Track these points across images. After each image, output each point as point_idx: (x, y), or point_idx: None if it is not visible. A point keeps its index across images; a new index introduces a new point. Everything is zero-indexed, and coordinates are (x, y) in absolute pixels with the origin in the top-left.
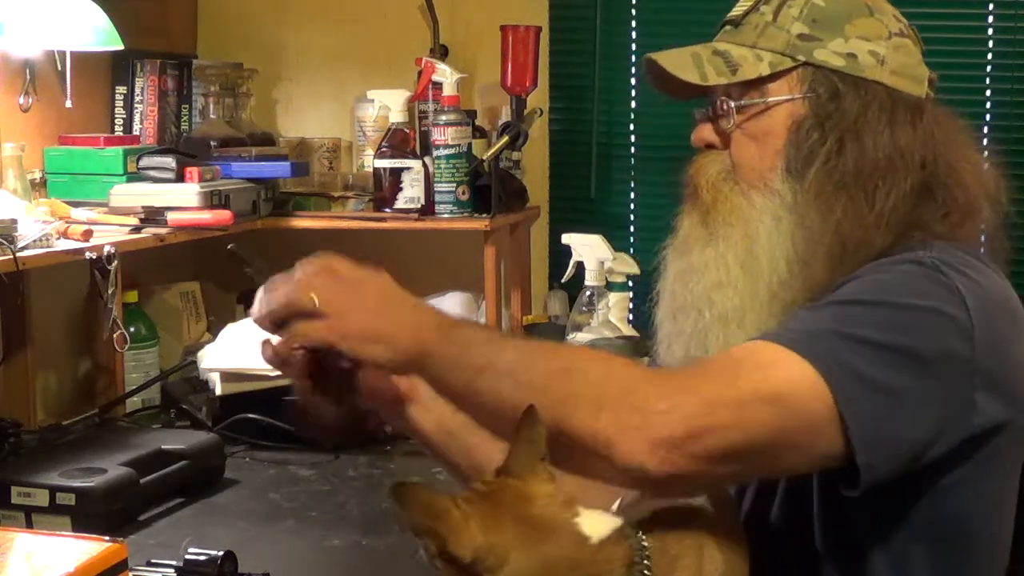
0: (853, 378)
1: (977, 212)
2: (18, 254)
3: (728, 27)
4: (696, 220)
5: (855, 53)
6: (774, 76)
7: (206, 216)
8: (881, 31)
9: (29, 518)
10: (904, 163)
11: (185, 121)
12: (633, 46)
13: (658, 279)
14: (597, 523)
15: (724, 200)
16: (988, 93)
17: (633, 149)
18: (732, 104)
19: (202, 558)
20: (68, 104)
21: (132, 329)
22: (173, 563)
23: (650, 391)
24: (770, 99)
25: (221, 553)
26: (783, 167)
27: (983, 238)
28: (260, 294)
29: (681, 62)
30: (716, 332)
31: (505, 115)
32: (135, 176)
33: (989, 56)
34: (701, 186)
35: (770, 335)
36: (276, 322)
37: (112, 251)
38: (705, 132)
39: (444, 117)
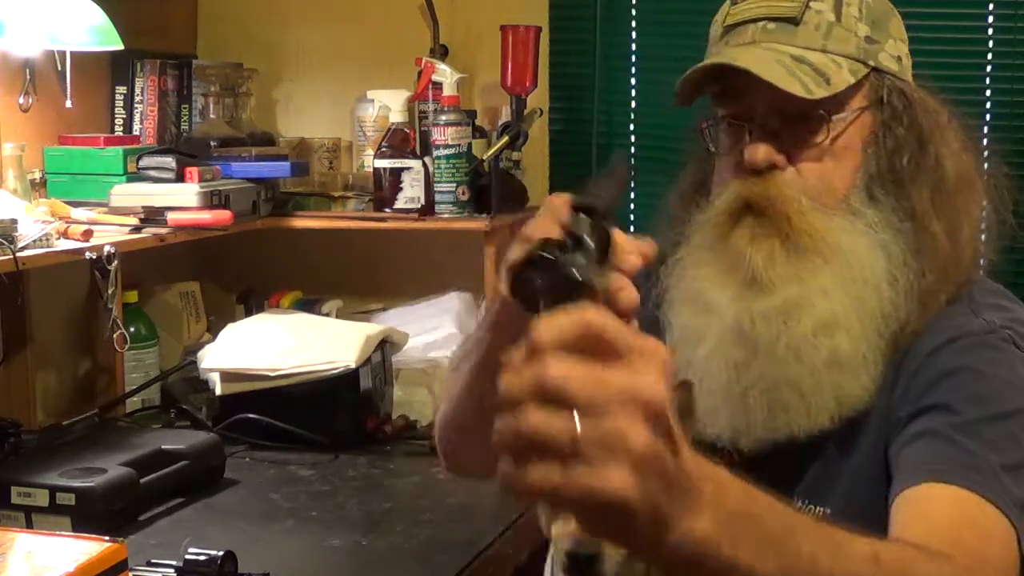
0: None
1: (971, 214)
2: (18, 254)
3: (780, 24)
4: (775, 249)
5: (901, 56)
6: (853, 86)
7: (206, 216)
8: (903, 33)
9: (29, 518)
10: (975, 171)
11: (185, 121)
12: (633, 46)
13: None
14: None
15: (810, 226)
16: (988, 93)
17: (633, 149)
18: (831, 118)
19: (202, 558)
20: (68, 104)
21: (132, 329)
22: (173, 563)
23: None
24: (849, 110)
25: (221, 553)
26: (863, 185)
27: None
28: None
29: (775, 72)
30: (823, 377)
31: (505, 115)
32: (135, 176)
33: (989, 56)
34: (779, 208)
35: (956, 478)
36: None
37: (112, 251)
38: (764, 151)
39: (444, 117)
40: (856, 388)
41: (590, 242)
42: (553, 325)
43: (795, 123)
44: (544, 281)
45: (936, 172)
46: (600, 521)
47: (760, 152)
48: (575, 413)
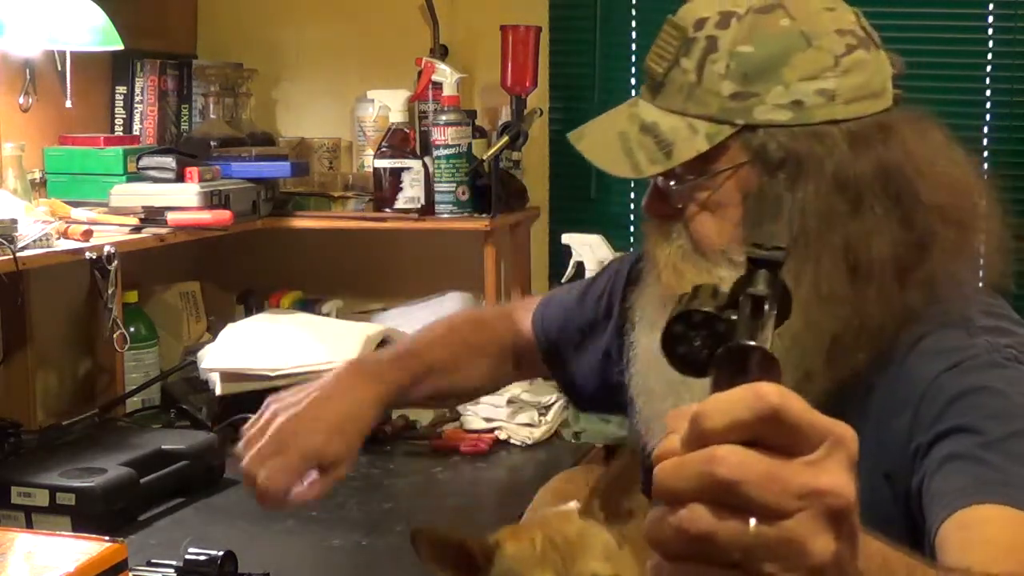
0: None
1: (968, 227)
2: (18, 254)
3: (650, 85)
4: (662, 306)
5: (801, 100)
6: (714, 149)
7: (206, 216)
8: (825, 61)
9: (29, 518)
10: (880, 212)
11: (185, 121)
12: (633, 46)
13: (631, 343)
14: None
15: (677, 277)
16: (988, 93)
17: None
18: (673, 186)
19: (202, 558)
20: (68, 104)
21: (132, 329)
22: (173, 563)
23: None
24: (715, 173)
25: (221, 553)
26: (747, 236)
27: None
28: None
29: (609, 152)
30: None
31: (505, 115)
32: (135, 176)
33: (989, 56)
34: (660, 268)
35: (998, 497)
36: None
37: (112, 251)
38: (657, 202)
39: (444, 117)
40: None
41: (771, 307)
42: (726, 406)
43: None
44: (708, 345)
45: (809, 224)
46: None
47: (648, 202)
48: (752, 519)
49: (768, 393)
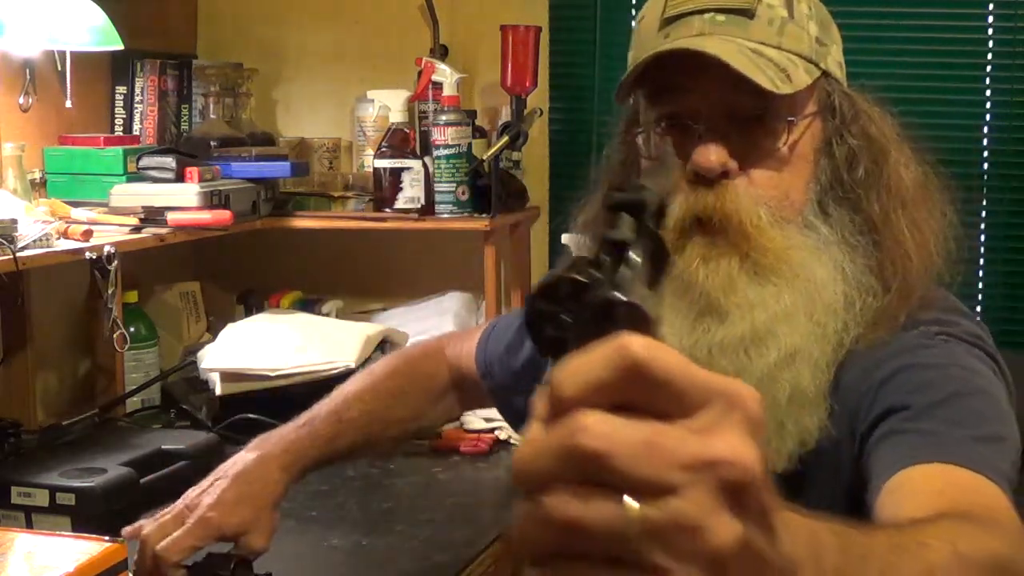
0: (1004, 477)
1: (922, 225)
2: (18, 254)
3: (732, 16)
4: (733, 271)
5: (842, 63)
6: (805, 91)
7: (206, 216)
8: (839, 39)
9: (29, 518)
10: (930, 182)
11: (185, 121)
12: None
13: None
14: None
15: (772, 243)
16: (988, 93)
17: None
18: (791, 120)
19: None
20: (68, 104)
21: (132, 329)
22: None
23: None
24: (801, 115)
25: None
26: (816, 197)
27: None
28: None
29: (740, 61)
30: (784, 414)
31: (505, 115)
32: (135, 176)
33: (989, 56)
34: (736, 223)
35: (934, 458)
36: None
37: (112, 251)
38: (716, 154)
39: (444, 117)
40: (815, 423)
41: (637, 254)
42: (583, 365)
43: (747, 126)
44: (572, 314)
45: (896, 183)
46: None
47: (712, 155)
48: (625, 497)
49: (630, 344)
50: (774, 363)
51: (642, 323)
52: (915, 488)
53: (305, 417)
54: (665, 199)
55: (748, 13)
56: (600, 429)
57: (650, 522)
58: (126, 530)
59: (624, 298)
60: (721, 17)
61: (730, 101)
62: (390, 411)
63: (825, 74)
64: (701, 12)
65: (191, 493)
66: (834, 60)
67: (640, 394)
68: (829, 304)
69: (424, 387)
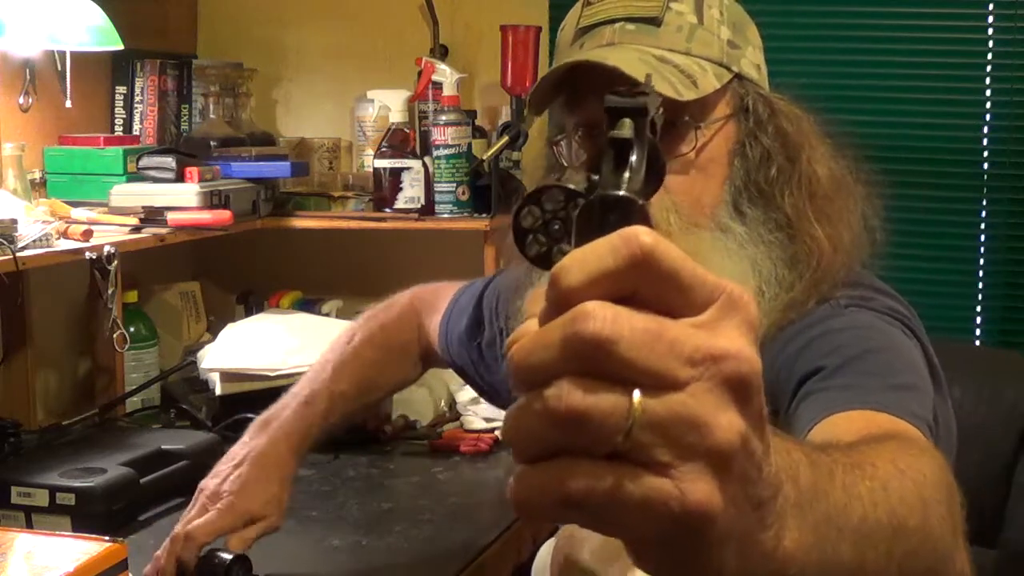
0: (922, 421)
1: (841, 212)
2: (18, 254)
3: (640, 25)
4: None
5: (759, 64)
6: (714, 95)
7: (206, 216)
8: (760, 41)
9: (29, 518)
10: (847, 175)
11: (185, 121)
12: None
13: None
14: None
15: (678, 246)
16: (988, 93)
17: None
18: (698, 126)
19: (214, 561)
20: (68, 104)
21: (132, 329)
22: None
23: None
24: (712, 119)
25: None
26: (731, 198)
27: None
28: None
29: (640, 70)
30: None
31: (505, 115)
32: (135, 176)
33: (989, 56)
34: None
35: (850, 407)
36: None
37: (112, 251)
38: None
39: (444, 117)
40: None
41: (637, 156)
42: (589, 255)
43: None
44: (567, 220)
45: (808, 179)
46: (661, 545)
47: None
48: (634, 391)
49: (639, 234)
50: None
51: (645, 222)
52: (836, 431)
53: (302, 394)
54: (656, 110)
55: (656, 21)
56: (606, 315)
57: (655, 415)
58: (147, 571)
59: (629, 195)
60: (631, 26)
61: None
62: (374, 381)
63: (739, 76)
64: (612, 22)
65: (209, 484)
66: (750, 62)
67: (646, 286)
68: None
69: (402, 354)
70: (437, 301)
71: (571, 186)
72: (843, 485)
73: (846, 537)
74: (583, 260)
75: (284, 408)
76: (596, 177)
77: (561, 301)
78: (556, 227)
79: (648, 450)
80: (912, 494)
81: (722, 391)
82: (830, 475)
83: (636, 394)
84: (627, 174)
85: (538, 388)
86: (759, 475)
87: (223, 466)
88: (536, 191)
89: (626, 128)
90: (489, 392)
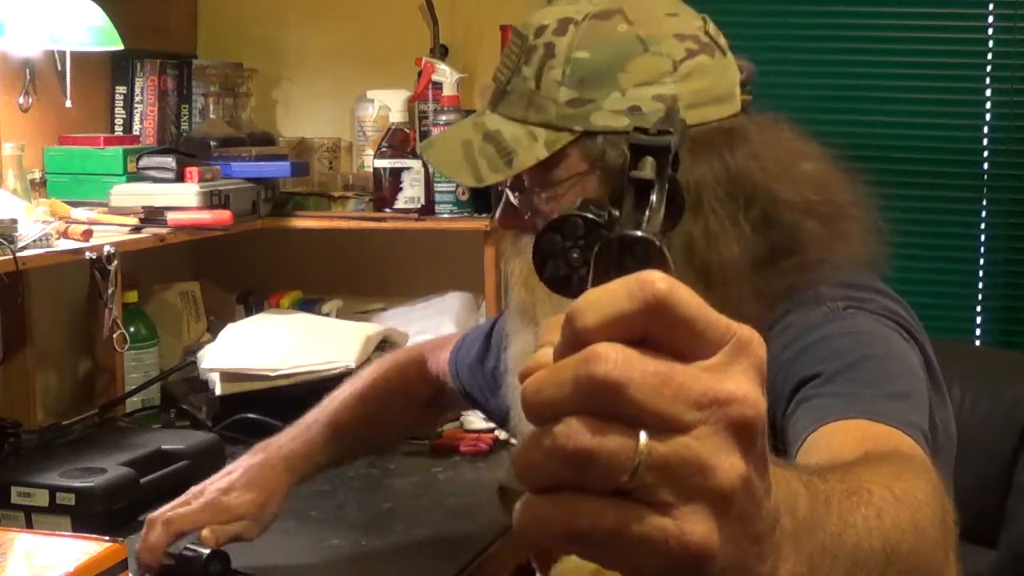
0: (917, 430)
1: (834, 216)
2: (18, 254)
3: (496, 92)
4: (520, 320)
5: (638, 105)
6: (554, 157)
7: (206, 216)
8: (663, 66)
9: (29, 518)
10: (724, 214)
11: (185, 121)
12: None
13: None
14: None
15: (540, 300)
16: (988, 93)
17: None
18: (517, 196)
19: (190, 555)
20: (68, 104)
21: (132, 329)
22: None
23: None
24: (558, 183)
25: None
26: None
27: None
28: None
29: (454, 160)
30: None
31: None
32: (135, 176)
33: (989, 56)
34: (512, 282)
35: (845, 416)
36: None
37: (112, 251)
38: (508, 216)
39: (444, 117)
40: None
41: (657, 196)
42: (605, 296)
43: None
44: (582, 251)
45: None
46: None
47: (499, 215)
48: (641, 433)
49: (655, 280)
50: None
51: (662, 263)
52: (832, 443)
53: (302, 424)
54: (678, 148)
55: (502, 94)
56: (617, 357)
57: (660, 457)
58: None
59: (648, 236)
60: (490, 98)
61: None
62: (380, 417)
63: (589, 133)
64: (496, 81)
65: (198, 485)
66: (609, 112)
67: (660, 330)
68: None
69: (411, 394)
70: (444, 342)
71: (591, 216)
72: (839, 513)
73: (840, 564)
74: (599, 302)
75: (284, 433)
76: (616, 213)
77: (575, 340)
78: (575, 255)
79: (652, 490)
80: (906, 519)
81: (727, 434)
82: (827, 504)
83: (643, 436)
84: (647, 213)
85: (548, 423)
86: (758, 512)
87: (217, 475)
88: (558, 219)
89: (648, 168)
90: (499, 417)
